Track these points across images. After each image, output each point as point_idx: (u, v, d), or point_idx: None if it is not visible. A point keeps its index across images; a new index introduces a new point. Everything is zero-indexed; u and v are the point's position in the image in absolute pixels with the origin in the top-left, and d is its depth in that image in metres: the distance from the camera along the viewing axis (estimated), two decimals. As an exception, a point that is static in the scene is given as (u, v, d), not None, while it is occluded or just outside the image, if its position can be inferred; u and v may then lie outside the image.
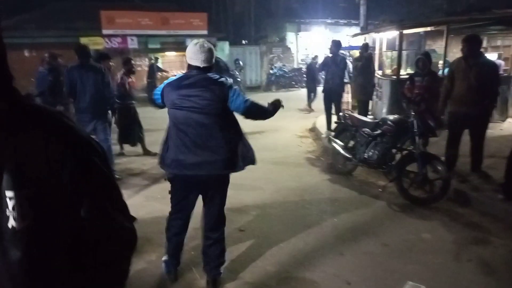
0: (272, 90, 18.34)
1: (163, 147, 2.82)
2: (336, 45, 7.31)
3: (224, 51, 17.77)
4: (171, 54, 17.60)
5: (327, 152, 6.44)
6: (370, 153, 5.04)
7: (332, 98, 7.35)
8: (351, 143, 5.50)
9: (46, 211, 0.84)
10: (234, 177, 5.51)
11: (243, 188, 5.03)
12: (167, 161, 2.76)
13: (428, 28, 8.48)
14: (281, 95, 16.60)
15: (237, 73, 12.31)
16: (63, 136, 0.85)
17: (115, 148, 6.56)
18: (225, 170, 2.78)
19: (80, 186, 0.86)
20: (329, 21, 21.24)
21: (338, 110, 7.35)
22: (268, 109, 2.95)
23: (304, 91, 17.50)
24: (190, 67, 2.72)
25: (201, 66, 2.66)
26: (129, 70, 6.42)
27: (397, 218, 4.18)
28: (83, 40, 14.95)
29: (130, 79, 6.43)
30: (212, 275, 2.94)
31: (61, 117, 0.89)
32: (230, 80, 2.78)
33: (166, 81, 2.81)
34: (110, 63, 6.26)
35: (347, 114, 5.65)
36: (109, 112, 5.35)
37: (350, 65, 7.42)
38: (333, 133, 6.65)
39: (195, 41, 2.72)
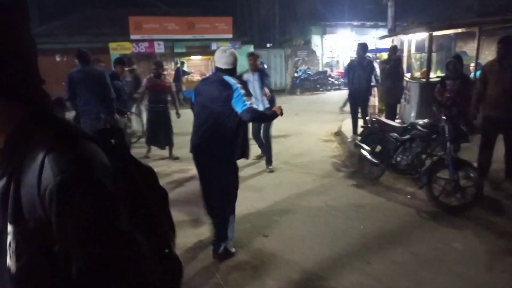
0: (297, 93, 18.25)
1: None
2: (363, 48, 7.18)
3: (248, 54, 17.82)
4: (196, 58, 17.82)
5: (353, 157, 6.32)
6: (399, 159, 4.91)
7: (358, 102, 7.22)
8: (378, 148, 5.38)
9: (42, 253, 0.69)
10: (257, 181, 5.47)
11: (266, 193, 5.02)
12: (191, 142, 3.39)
13: (459, 30, 8.21)
14: (306, 98, 16.53)
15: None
16: (59, 163, 0.68)
17: (139, 151, 6.67)
18: (221, 158, 3.24)
19: (66, 234, 0.67)
20: (355, 23, 20.98)
21: (365, 114, 7.20)
22: (265, 114, 3.74)
23: (330, 94, 17.40)
24: (215, 68, 3.32)
25: (222, 67, 3.24)
26: (155, 73, 6.46)
27: (427, 227, 4.04)
28: (112, 45, 15.39)
29: (155, 82, 6.39)
30: (215, 248, 3.41)
31: (75, 137, 0.74)
32: (238, 86, 3.14)
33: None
34: (125, 68, 6.40)
35: (374, 118, 5.53)
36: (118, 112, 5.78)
37: (377, 68, 7.25)
38: (359, 138, 6.53)
39: (221, 47, 3.34)
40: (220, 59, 3.23)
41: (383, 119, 5.58)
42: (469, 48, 12.15)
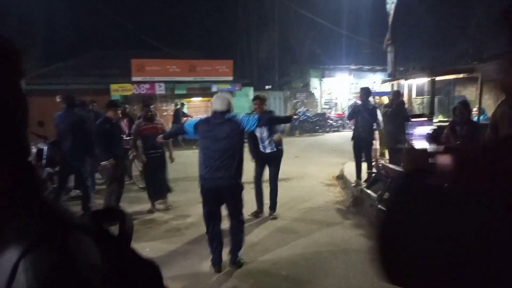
0: (296, 134, 18.25)
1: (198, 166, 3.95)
2: (366, 92, 7.16)
3: (248, 96, 18.00)
4: (196, 100, 17.96)
5: (358, 203, 6.09)
6: (408, 207, 4.68)
7: (362, 146, 7.09)
8: (386, 194, 5.16)
9: None
10: (260, 230, 5.16)
11: (271, 243, 4.74)
12: (199, 176, 3.91)
13: (461, 75, 8.28)
14: (305, 140, 16.48)
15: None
16: (37, 271, 0.53)
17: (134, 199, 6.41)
18: (231, 181, 3.85)
19: None
20: (353, 67, 21.42)
21: (369, 158, 7.06)
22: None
23: (329, 136, 17.40)
24: (214, 111, 3.96)
25: (219, 109, 3.90)
26: (145, 116, 5.98)
27: (444, 283, 3.75)
28: (113, 87, 15.53)
29: (147, 126, 5.91)
30: (233, 257, 4.04)
31: (61, 230, 0.58)
32: (239, 115, 4.10)
33: (198, 118, 4.16)
34: (118, 112, 5.96)
35: (380, 164, 5.37)
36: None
37: (378, 113, 7.23)
38: (364, 183, 6.33)
39: (217, 93, 4.19)
40: (217, 103, 3.93)
41: (390, 165, 5.41)
42: (468, 92, 12.27)
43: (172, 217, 5.80)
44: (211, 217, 3.93)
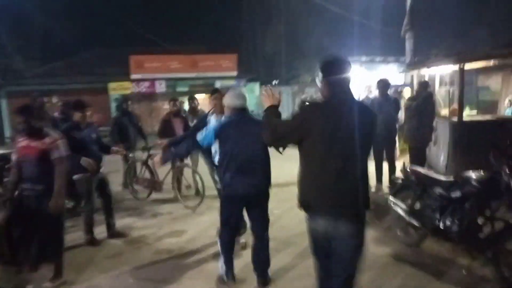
0: (305, 131, 17.45)
1: (220, 172, 3.50)
2: (385, 85, 6.29)
3: (254, 92, 17.18)
4: (199, 97, 17.20)
5: (382, 214, 5.26)
6: (448, 222, 3.84)
7: (383, 145, 6.21)
8: (417, 205, 4.33)
9: None
10: (283, 241, 4.24)
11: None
12: (223, 183, 3.44)
13: (491, 63, 7.36)
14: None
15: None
16: None
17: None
18: (262, 188, 3.44)
19: None
20: (364, 59, 20.45)
21: (391, 159, 6.20)
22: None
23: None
24: (235, 109, 3.44)
25: (239, 106, 3.43)
26: (26, 127, 3.47)
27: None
28: (112, 85, 14.84)
29: (23, 144, 3.47)
30: (263, 274, 3.55)
31: None
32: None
33: (216, 124, 3.57)
34: (87, 113, 4.56)
35: (408, 168, 4.52)
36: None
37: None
38: (388, 189, 5.52)
39: (231, 90, 3.62)
40: (237, 98, 3.45)
41: (423, 170, 4.55)
42: (492, 82, 11.30)
43: (166, 234, 5.03)
44: (231, 225, 3.52)
